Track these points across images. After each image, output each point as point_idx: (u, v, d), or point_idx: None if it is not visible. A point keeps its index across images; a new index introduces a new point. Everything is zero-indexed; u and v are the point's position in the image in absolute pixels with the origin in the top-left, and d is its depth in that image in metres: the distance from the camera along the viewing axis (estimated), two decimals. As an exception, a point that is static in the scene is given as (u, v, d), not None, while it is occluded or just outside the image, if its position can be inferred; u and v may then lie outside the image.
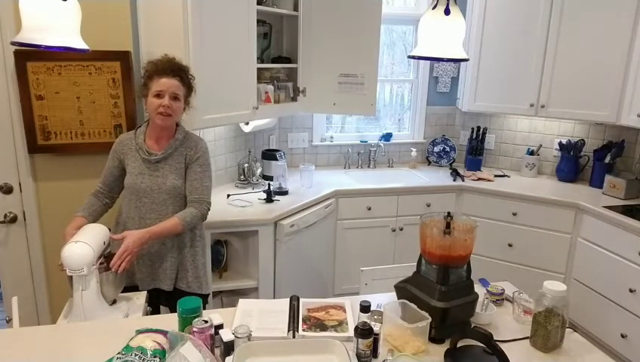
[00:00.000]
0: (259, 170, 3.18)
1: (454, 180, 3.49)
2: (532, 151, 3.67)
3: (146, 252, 1.99)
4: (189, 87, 2.00)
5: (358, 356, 1.35)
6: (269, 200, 2.81)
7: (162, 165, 1.99)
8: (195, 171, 2.00)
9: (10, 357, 1.38)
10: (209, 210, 2.03)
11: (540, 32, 3.25)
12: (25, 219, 2.38)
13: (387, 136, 3.89)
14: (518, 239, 3.26)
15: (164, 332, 1.33)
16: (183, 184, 2.00)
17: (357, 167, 3.81)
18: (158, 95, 1.91)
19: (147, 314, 1.83)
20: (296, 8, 3.05)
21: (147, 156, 1.98)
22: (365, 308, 1.42)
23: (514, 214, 3.25)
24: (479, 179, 3.51)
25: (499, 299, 1.72)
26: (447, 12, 1.65)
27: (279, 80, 3.13)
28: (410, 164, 3.87)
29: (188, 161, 2.01)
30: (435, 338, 1.48)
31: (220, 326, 1.40)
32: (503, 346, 1.32)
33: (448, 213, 1.55)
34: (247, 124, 3.03)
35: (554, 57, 3.23)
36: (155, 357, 1.24)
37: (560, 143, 3.53)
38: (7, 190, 2.33)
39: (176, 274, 2.06)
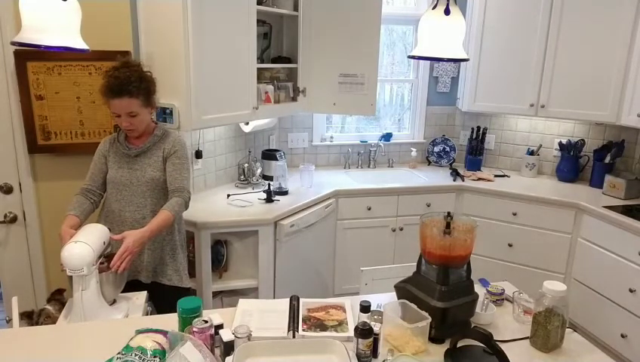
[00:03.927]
0: (259, 170, 3.17)
1: (454, 180, 3.49)
2: (532, 151, 3.67)
3: None
4: (145, 94, 1.98)
5: (358, 356, 1.35)
6: (269, 200, 2.81)
7: (141, 159, 2.06)
8: (174, 163, 2.06)
9: (10, 357, 1.38)
10: (190, 198, 2.08)
11: (539, 32, 3.25)
12: (25, 219, 2.38)
13: (387, 136, 3.89)
14: (518, 239, 3.26)
15: (164, 332, 1.33)
16: (160, 176, 2.06)
17: (357, 167, 3.81)
18: (117, 115, 1.96)
19: (147, 314, 1.83)
20: (296, 8, 3.05)
21: (127, 151, 2.05)
22: (365, 308, 1.42)
23: (514, 214, 3.25)
24: (479, 179, 3.51)
25: (499, 299, 1.72)
26: (447, 12, 1.65)
27: (279, 80, 3.13)
28: (410, 164, 3.87)
29: (165, 155, 2.07)
30: (435, 339, 1.48)
31: (220, 326, 1.40)
32: (503, 346, 1.32)
33: (448, 213, 1.55)
34: (247, 124, 3.03)
35: (554, 57, 3.23)
36: (155, 357, 1.24)
37: (560, 143, 3.53)
38: (7, 190, 2.33)
39: (154, 267, 2.10)
